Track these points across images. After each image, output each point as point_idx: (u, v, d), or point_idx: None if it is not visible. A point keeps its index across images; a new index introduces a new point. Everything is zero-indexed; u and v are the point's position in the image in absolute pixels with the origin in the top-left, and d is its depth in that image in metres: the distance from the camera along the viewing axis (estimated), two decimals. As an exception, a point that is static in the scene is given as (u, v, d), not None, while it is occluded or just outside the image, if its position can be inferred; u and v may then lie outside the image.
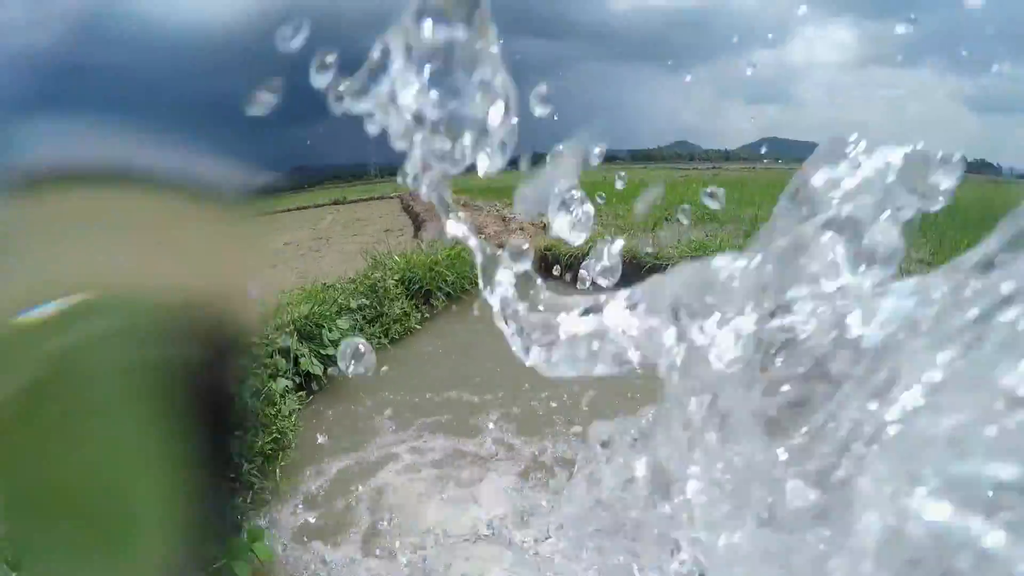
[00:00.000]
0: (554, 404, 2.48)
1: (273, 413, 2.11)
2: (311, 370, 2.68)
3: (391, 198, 21.77)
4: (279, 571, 1.60)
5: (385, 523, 1.80)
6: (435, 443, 2.29)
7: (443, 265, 4.31)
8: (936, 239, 5.46)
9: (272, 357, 2.58)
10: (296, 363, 2.64)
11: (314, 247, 9.19)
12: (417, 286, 4.01)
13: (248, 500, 1.78)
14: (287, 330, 2.83)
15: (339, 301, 3.29)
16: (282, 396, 2.30)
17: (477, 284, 2.43)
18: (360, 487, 1.98)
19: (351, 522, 1.82)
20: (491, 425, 2.40)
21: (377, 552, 1.68)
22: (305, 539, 1.74)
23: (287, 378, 2.48)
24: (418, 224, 10.22)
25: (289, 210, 23.21)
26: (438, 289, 4.14)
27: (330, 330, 2.95)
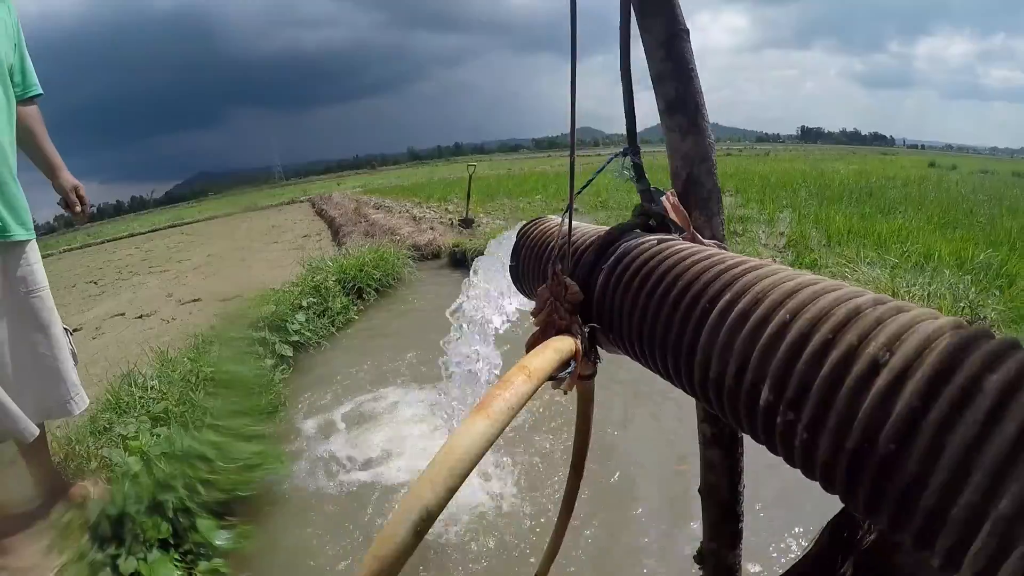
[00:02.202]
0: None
1: (271, 379, 3.05)
2: (283, 352, 3.59)
3: (301, 202, 22.09)
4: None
5: (346, 425, 2.80)
6: (376, 385, 3.27)
7: (370, 266, 5.26)
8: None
9: (254, 346, 3.49)
10: (273, 348, 3.55)
11: (239, 256, 9.67)
12: (351, 284, 4.94)
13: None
14: (260, 325, 3.73)
15: (293, 301, 4.19)
16: (271, 370, 3.23)
17: (399, 280, 3.99)
18: (335, 415, 2.94)
19: (329, 433, 2.77)
20: (410, 366, 3.45)
21: (342, 439, 2.65)
22: (305, 446, 2.69)
23: (271, 358, 3.39)
24: (335, 229, 10.88)
25: (197, 221, 23.12)
26: (368, 285, 5.08)
27: (292, 323, 3.87)
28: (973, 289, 3.65)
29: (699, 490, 0.85)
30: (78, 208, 2.00)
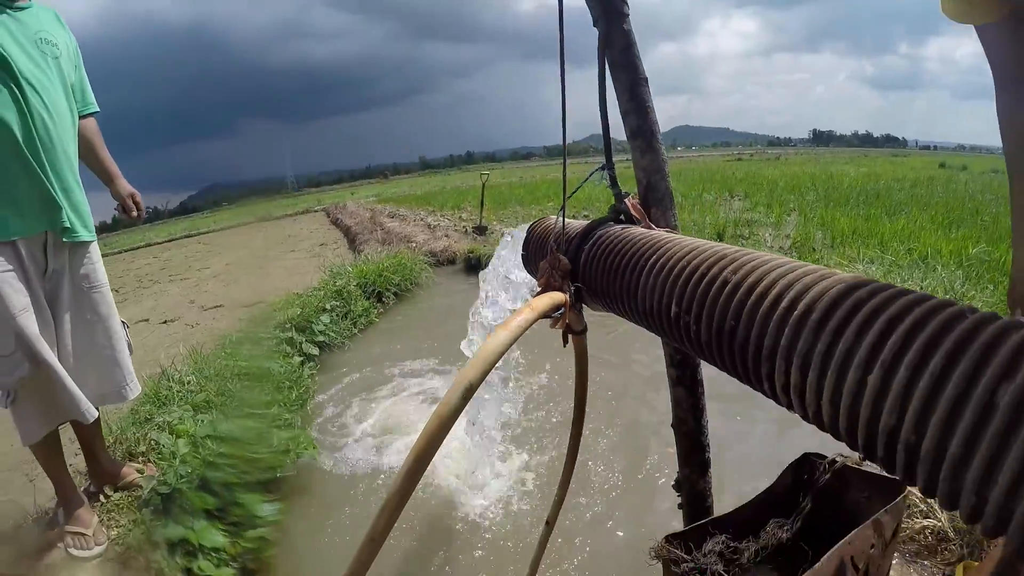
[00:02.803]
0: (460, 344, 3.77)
1: (300, 375, 3.28)
2: (309, 352, 3.81)
3: (316, 212, 22.39)
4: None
5: (371, 415, 3.01)
6: (398, 381, 3.48)
7: (389, 271, 5.49)
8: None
9: (282, 345, 3.71)
10: (300, 348, 3.77)
11: (257, 265, 9.91)
12: (371, 288, 5.17)
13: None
14: (287, 326, 3.96)
15: (317, 304, 4.42)
16: (299, 367, 3.45)
17: (416, 284, 4.27)
18: (361, 407, 3.14)
19: (356, 421, 2.98)
20: (431, 364, 3.65)
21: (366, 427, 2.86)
22: (331, 428, 2.90)
23: (299, 356, 3.62)
24: (351, 237, 11.13)
25: (212, 231, 23.50)
26: (387, 290, 5.31)
27: (317, 324, 4.09)
28: (967, 284, 3.81)
29: (671, 425, 1.04)
30: (134, 213, 2.24)
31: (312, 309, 4.28)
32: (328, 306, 4.46)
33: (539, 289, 0.89)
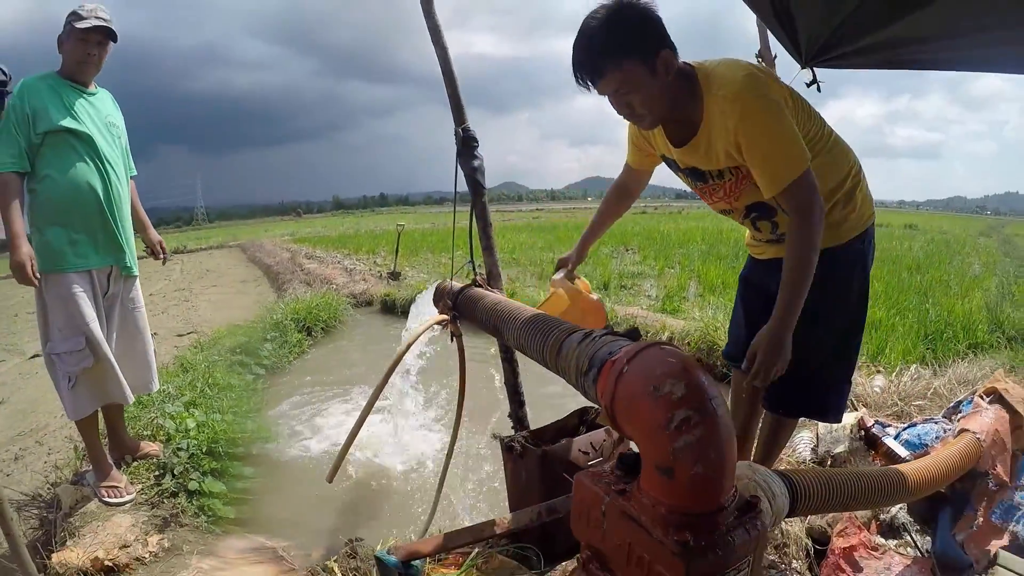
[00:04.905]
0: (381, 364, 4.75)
1: (255, 388, 4.20)
2: (258, 372, 4.71)
3: (231, 247, 22.23)
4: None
5: (309, 419, 3.96)
6: (325, 391, 4.44)
7: (317, 309, 6.43)
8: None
9: (235, 366, 4.60)
10: (251, 368, 4.67)
11: (182, 298, 10.06)
12: (303, 323, 6.09)
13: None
14: (236, 351, 4.85)
15: (259, 335, 5.32)
16: (253, 382, 4.37)
17: (340, 322, 5.77)
18: (302, 412, 4.08)
19: (298, 422, 3.91)
20: (354, 385, 4.64)
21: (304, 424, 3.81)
22: (281, 425, 3.84)
23: (251, 375, 4.53)
24: (272, 276, 11.65)
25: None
26: (316, 325, 6.24)
27: (262, 350, 5.01)
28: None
29: (504, 382, 2.15)
30: (160, 256, 3.12)
31: (256, 338, 5.18)
32: (268, 336, 5.36)
33: (438, 312, 1.98)
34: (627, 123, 1.96)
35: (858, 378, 3.74)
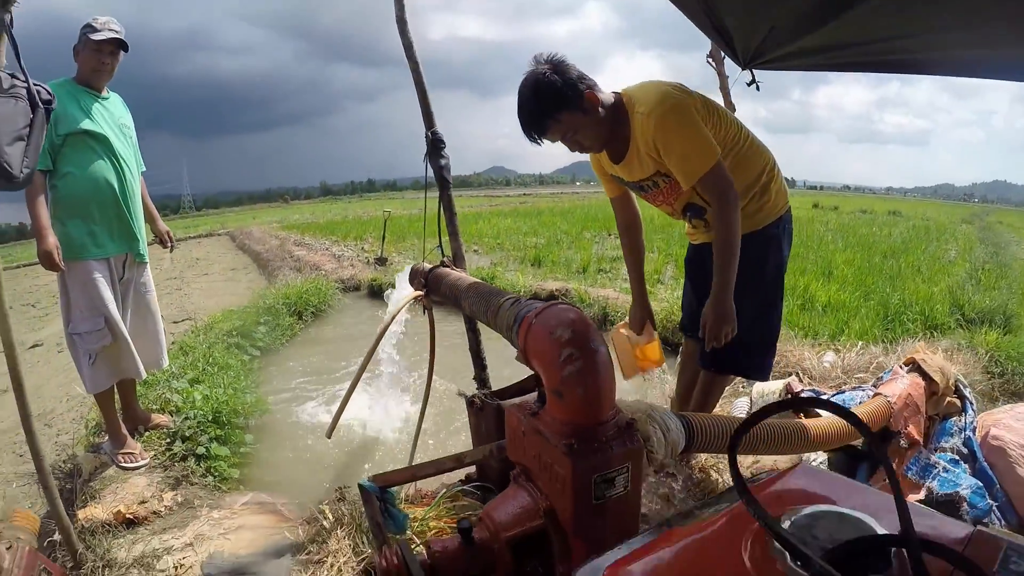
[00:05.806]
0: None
1: (251, 367, 4.55)
2: (253, 353, 5.06)
3: (220, 235, 22.10)
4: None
5: (301, 394, 4.31)
6: (316, 369, 4.79)
7: (308, 294, 6.77)
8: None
9: (231, 348, 4.94)
10: (246, 350, 5.01)
11: (174, 286, 10.20)
12: (294, 308, 6.43)
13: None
14: (233, 334, 5.18)
15: (254, 319, 5.66)
16: (249, 362, 4.72)
17: (329, 306, 6.26)
18: (295, 388, 4.43)
19: (291, 396, 4.27)
20: (342, 364, 4.98)
21: (298, 397, 4.17)
22: (276, 399, 4.19)
23: (247, 355, 4.87)
24: (262, 263, 11.88)
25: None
26: (306, 309, 6.58)
27: (256, 333, 5.35)
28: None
29: (469, 349, 2.52)
30: (168, 245, 3.46)
31: (250, 322, 5.52)
32: (262, 320, 5.70)
33: (413, 289, 2.35)
34: (591, 162, 2.43)
35: (810, 354, 4.12)
